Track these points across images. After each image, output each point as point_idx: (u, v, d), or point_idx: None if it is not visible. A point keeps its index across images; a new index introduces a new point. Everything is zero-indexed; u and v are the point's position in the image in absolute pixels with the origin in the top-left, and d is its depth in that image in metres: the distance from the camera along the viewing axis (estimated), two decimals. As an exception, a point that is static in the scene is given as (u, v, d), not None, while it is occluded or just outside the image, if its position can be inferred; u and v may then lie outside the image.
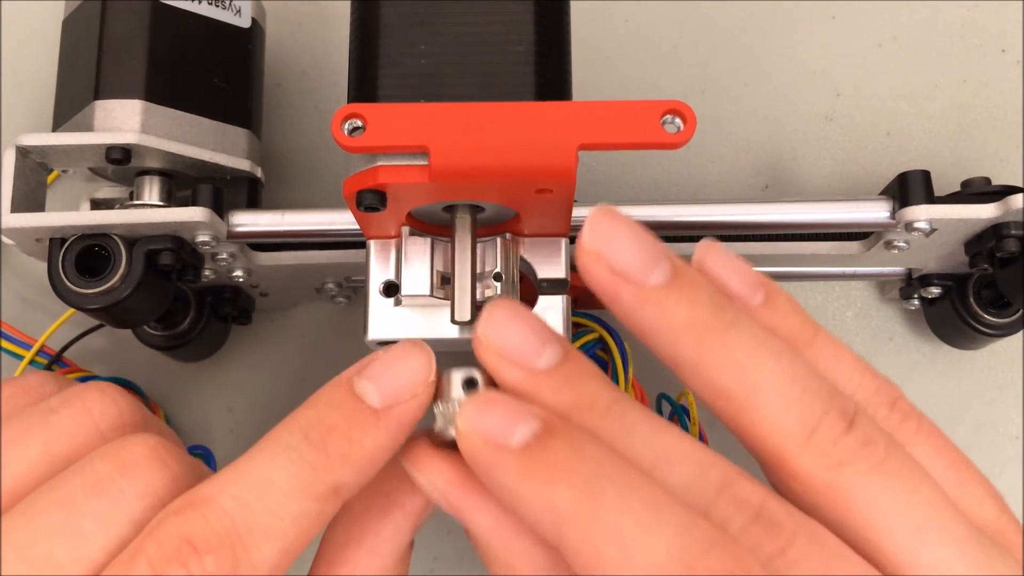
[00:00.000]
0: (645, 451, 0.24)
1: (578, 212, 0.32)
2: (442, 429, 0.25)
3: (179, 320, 0.38)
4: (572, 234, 0.31)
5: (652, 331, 0.24)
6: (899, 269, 0.38)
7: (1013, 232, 0.33)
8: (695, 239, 0.35)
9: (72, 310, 0.33)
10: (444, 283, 0.30)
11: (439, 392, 0.26)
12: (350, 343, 0.41)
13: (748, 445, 0.25)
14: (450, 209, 0.29)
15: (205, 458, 0.38)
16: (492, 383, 0.25)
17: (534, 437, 0.23)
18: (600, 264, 0.24)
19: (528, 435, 0.23)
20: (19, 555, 0.23)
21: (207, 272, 0.36)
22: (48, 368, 0.38)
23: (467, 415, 0.23)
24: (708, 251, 0.26)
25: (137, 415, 0.27)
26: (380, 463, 0.25)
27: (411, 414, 0.25)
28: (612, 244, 0.24)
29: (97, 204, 0.36)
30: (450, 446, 0.25)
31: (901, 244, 0.35)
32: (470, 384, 0.26)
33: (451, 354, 0.41)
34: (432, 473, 0.25)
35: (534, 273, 0.31)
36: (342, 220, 0.34)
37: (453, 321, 0.29)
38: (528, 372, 0.24)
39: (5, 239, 0.33)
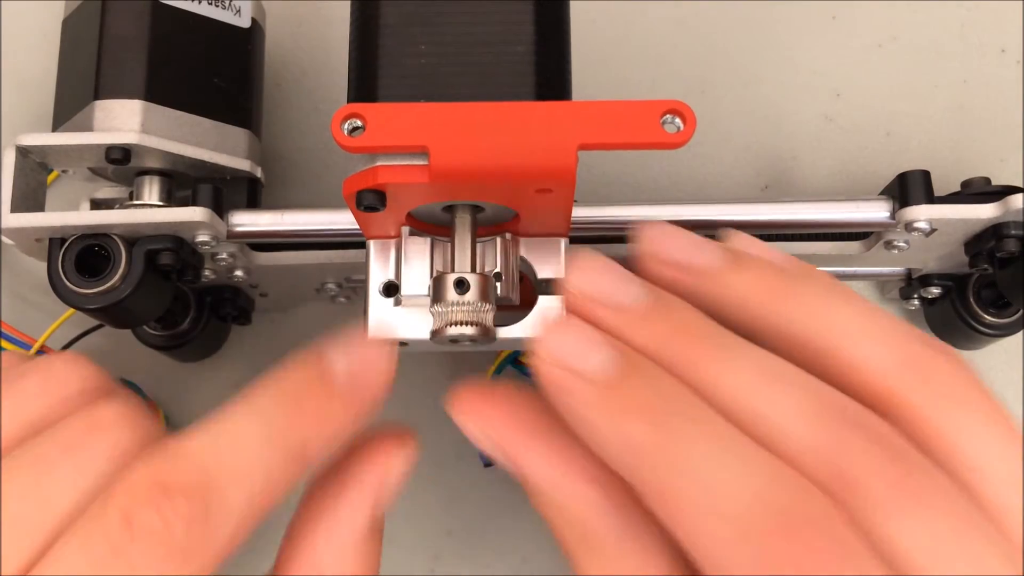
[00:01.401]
0: (749, 375, 0.23)
1: (578, 212, 0.33)
2: (439, 328, 0.28)
3: (179, 320, 0.38)
4: (572, 234, 0.31)
5: (736, 304, 0.25)
6: (899, 269, 0.38)
7: (1013, 232, 0.33)
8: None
9: (72, 310, 0.33)
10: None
11: (435, 294, 0.28)
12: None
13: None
14: (450, 209, 0.29)
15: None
16: (483, 284, 0.28)
17: (613, 365, 0.23)
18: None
19: (605, 361, 0.23)
20: None
21: (207, 272, 0.36)
22: (48, 368, 0.38)
23: (544, 337, 0.24)
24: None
25: (104, 383, 0.27)
26: (345, 430, 0.26)
27: (374, 391, 0.26)
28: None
29: (97, 204, 0.36)
30: (447, 344, 0.28)
31: (901, 244, 0.35)
32: (460, 284, 0.28)
33: (451, 354, 0.41)
34: (484, 421, 0.26)
35: (534, 273, 0.31)
36: (342, 220, 0.34)
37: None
38: (616, 310, 0.25)
39: (5, 239, 0.33)
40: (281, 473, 0.25)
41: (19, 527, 0.23)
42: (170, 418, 0.41)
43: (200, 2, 0.35)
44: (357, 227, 0.31)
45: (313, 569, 0.26)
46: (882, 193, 0.35)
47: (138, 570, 0.22)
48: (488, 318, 0.29)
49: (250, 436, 0.25)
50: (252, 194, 0.36)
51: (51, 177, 0.36)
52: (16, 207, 0.32)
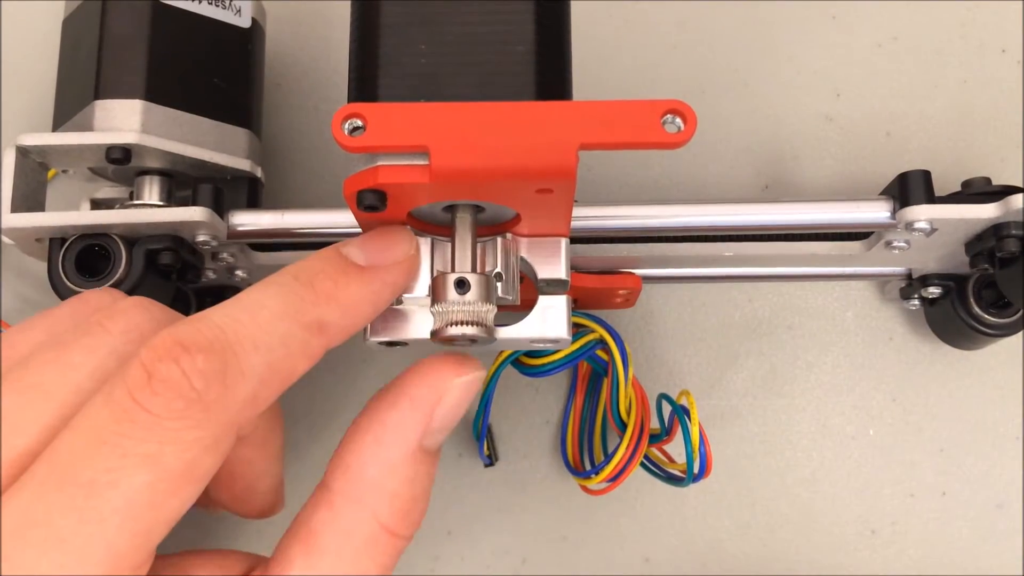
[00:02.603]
0: None
1: (578, 212, 0.33)
2: (440, 328, 0.28)
3: (179, 320, 0.38)
4: (572, 234, 0.31)
5: None
6: (899, 269, 0.38)
7: (1013, 232, 0.33)
8: (695, 240, 0.36)
9: (72, 310, 0.33)
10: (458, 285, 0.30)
11: (435, 294, 0.28)
12: (350, 343, 0.41)
13: None
14: (450, 209, 0.29)
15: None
16: (484, 284, 0.28)
17: None
18: None
19: None
20: (12, 385, 0.25)
21: (207, 272, 0.36)
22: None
23: None
24: None
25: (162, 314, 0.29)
26: (364, 313, 0.28)
27: (394, 276, 0.28)
28: None
29: (97, 204, 0.36)
30: (448, 344, 0.28)
31: (901, 244, 0.35)
32: (461, 284, 0.28)
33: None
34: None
35: (534, 273, 0.31)
36: (342, 220, 0.34)
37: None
38: None
39: (5, 239, 0.33)
40: (299, 344, 0.26)
41: (40, 396, 0.25)
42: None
43: (200, 2, 0.35)
44: (357, 227, 0.31)
45: (358, 479, 0.27)
46: (882, 193, 0.35)
47: (160, 423, 0.23)
48: (488, 318, 0.29)
49: (267, 307, 0.26)
50: (252, 194, 0.36)
51: (50, 174, 0.36)
52: (16, 207, 0.32)
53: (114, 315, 0.27)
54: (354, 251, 0.28)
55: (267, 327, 0.25)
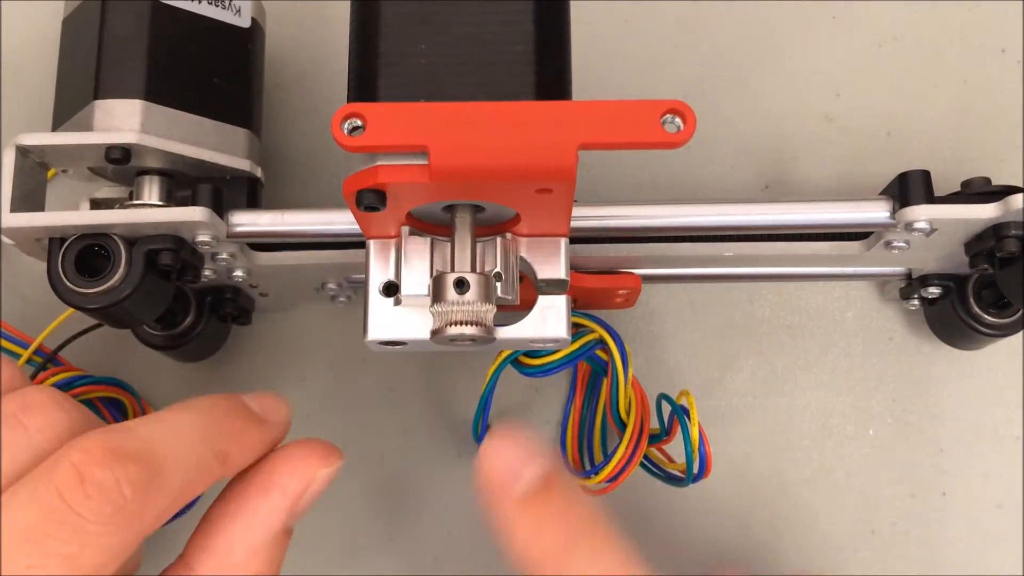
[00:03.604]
0: None
1: (578, 212, 0.33)
2: (439, 328, 0.28)
3: (179, 320, 0.38)
4: (572, 234, 0.31)
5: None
6: (899, 269, 0.38)
7: (1013, 232, 0.33)
8: (695, 240, 0.36)
9: (71, 310, 0.33)
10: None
11: (435, 294, 0.29)
12: (350, 343, 0.41)
13: None
14: (450, 209, 0.29)
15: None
16: (483, 284, 0.28)
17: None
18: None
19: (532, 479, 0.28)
20: None
21: (207, 272, 0.36)
22: (43, 367, 0.38)
23: (486, 450, 0.28)
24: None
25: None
26: (255, 456, 0.29)
27: (278, 428, 0.30)
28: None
29: (97, 204, 0.36)
30: (447, 344, 0.29)
31: (901, 244, 0.35)
32: (460, 284, 0.28)
33: (452, 354, 0.41)
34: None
35: (534, 273, 0.31)
36: (342, 220, 0.34)
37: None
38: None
39: (5, 239, 0.33)
40: (208, 470, 0.27)
41: None
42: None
43: (200, 2, 0.35)
44: (357, 227, 0.31)
45: (224, 562, 0.28)
46: (882, 193, 0.35)
47: (86, 525, 0.24)
48: (488, 318, 0.29)
49: (188, 430, 0.27)
50: (252, 194, 0.36)
51: (49, 174, 0.36)
52: (16, 207, 0.32)
53: (30, 410, 0.27)
54: (254, 404, 0.30)
55: (187, 448, 0.27)
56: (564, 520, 0.28)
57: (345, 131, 0.26)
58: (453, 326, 0.28)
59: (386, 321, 0.30)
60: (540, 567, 0.27)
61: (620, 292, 0.36)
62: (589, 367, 0.38)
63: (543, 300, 0.31)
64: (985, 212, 0.33)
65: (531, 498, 0.28)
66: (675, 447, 0.36)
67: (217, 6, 0.36)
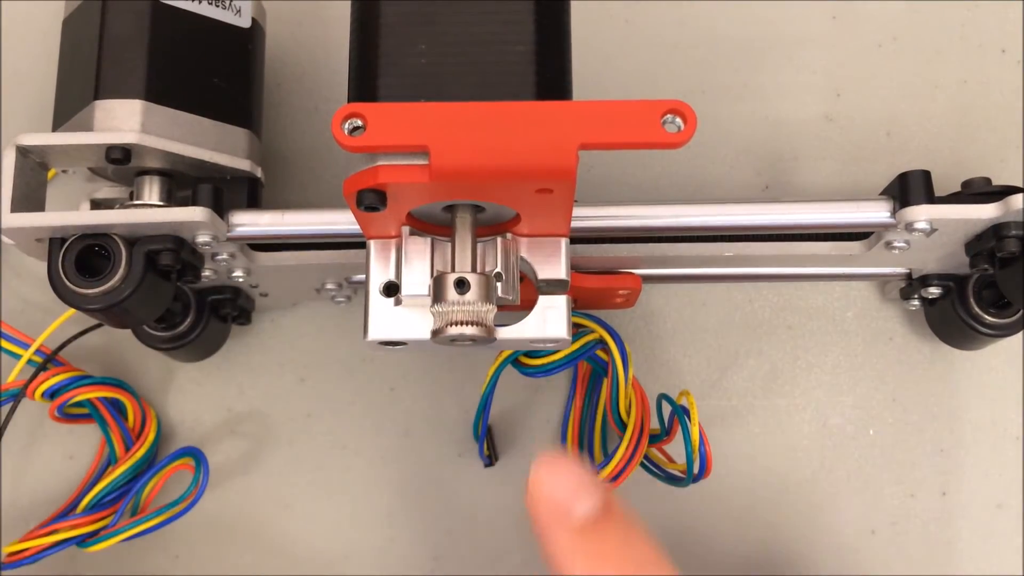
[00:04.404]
0: None
1: (578, 212, 0.33)
2: (440, 328, 0.28)
3: (179, 320, 0.38)
4: (572, 234, 0.31)
5: None
6: (899, 269, 0.38)
7: (1013, 232, 0.33)
8: (695, 240, 0.36)
9: (72, 310, 0.33)
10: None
11: (435, 294, 0.28)
12: (350, 343, 0.41)
13: None
14: (450, 209, 0.29)
15: (196, 460, 0.38)
16: (484, 284, 0.28)
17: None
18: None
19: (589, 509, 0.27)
20: None
21: (207, 272, 0.36)
22: (43, 367, 0.38)
23: (538, 476, 0.28)
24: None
25: None
26: None
27: None
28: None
29: (97, 204, 0.36)
30: (448, 344, 0.29)
31: (901, 244, 0.35)
32: (461, 284, 0.28)
33: (452, 353, 0.41)
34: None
35: (534, 273, 0.31)
36: (342, 220, 0.34)
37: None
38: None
39: (5, 239, 0.33)
40: None
41: None
42: (168, 418, 0.41)
43: (200, 2, 0.35)
44: (357, 227, 0.31)
45: None
46: (882, 193, 0.35)
47: None
48: (488, 318, 0.29)
49: None
50: (252, 194, 0.36)
51: (50, 174, 0.36)
52: (16, 207, 0.32)
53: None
54: None
55: None
56: (624, 556, 0.28)
57: (345, 131, 0.26)
58: (454, 326, 0.28)
59: (386, 321, 0.30)
60: None
61: (620, 292, 0.36)
62: (589, 367, 0.38)
63: (543, 300, 0.31)
64: (985, 212, 0.33)
65: (589, 529, 0.28)
66: (675, 447, 0.36)
67: (217, 6, 0.36)
